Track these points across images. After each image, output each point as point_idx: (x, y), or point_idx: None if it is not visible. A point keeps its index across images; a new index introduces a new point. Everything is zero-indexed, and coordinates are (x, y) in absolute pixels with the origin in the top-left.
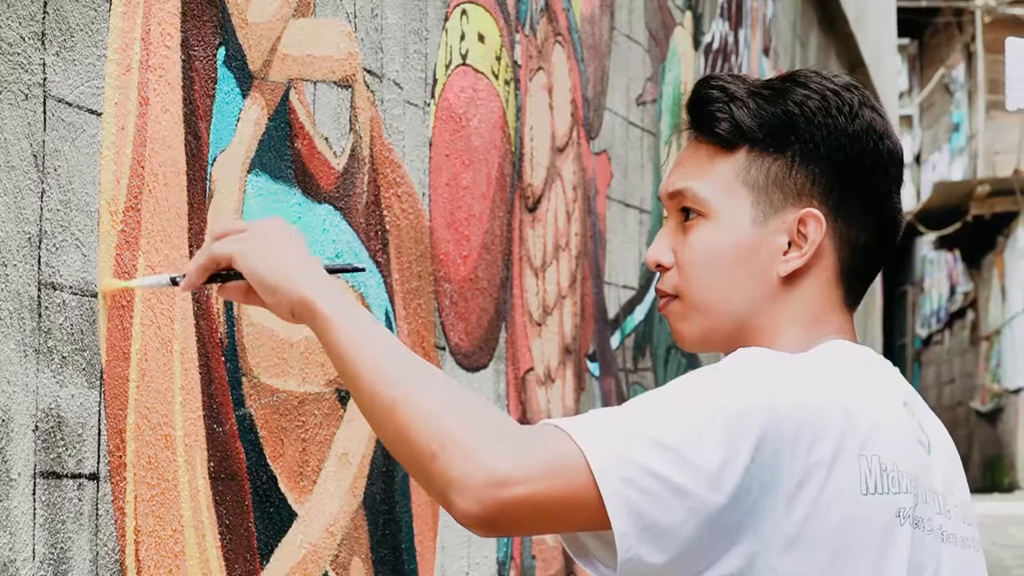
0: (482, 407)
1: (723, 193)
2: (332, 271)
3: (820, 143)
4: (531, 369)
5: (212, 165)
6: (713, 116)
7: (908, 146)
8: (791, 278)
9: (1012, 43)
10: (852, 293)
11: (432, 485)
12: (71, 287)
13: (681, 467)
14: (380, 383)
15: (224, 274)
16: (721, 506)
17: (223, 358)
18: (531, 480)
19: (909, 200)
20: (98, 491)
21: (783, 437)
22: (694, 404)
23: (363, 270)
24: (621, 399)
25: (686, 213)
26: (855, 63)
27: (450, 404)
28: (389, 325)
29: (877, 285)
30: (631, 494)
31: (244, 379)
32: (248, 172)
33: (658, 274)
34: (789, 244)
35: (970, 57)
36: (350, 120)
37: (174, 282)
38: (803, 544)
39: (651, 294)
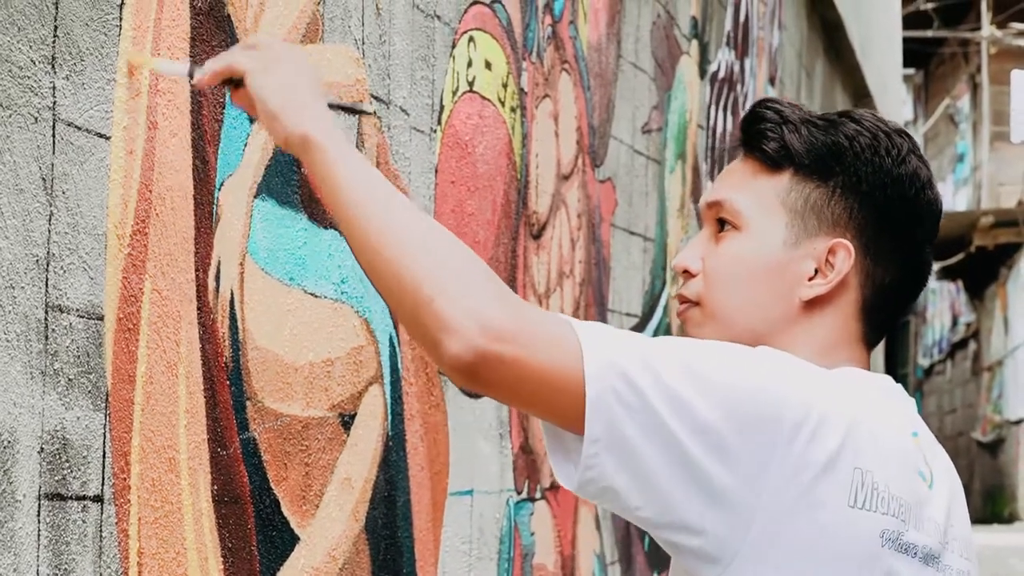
0: (488, 270)
1: (760, 210)
2: (337, 108)
3: (863, 179)
4: None
5: (219, 189)
6: (764, 135)
7: None
8: (812, 304)
9: (1018, 75)
10: (871, 330)
11: (424, 328)
12: (78, 310)
13: (671, 403)
14: (379, 226)
15: (238, 80)
16: (697, 458)
17: (228, 382)
18: (525, 344)
19: None
20: (102, 513)
21: (782, 426)
22: (707, 359)
23: (371, 113)
24: None
25: (721, 224)
26: (861, 93)
27: (454, 256)
28: (393, 351)
29: None
30: (613, 404)
31: (248, 403)
32: (255, 197)
33: (683, 280)
34: (816, 271)
35: (975, 88)
36: (357, 146)
37: (191, 75)
38: (781, 543)
39: (654, 322)
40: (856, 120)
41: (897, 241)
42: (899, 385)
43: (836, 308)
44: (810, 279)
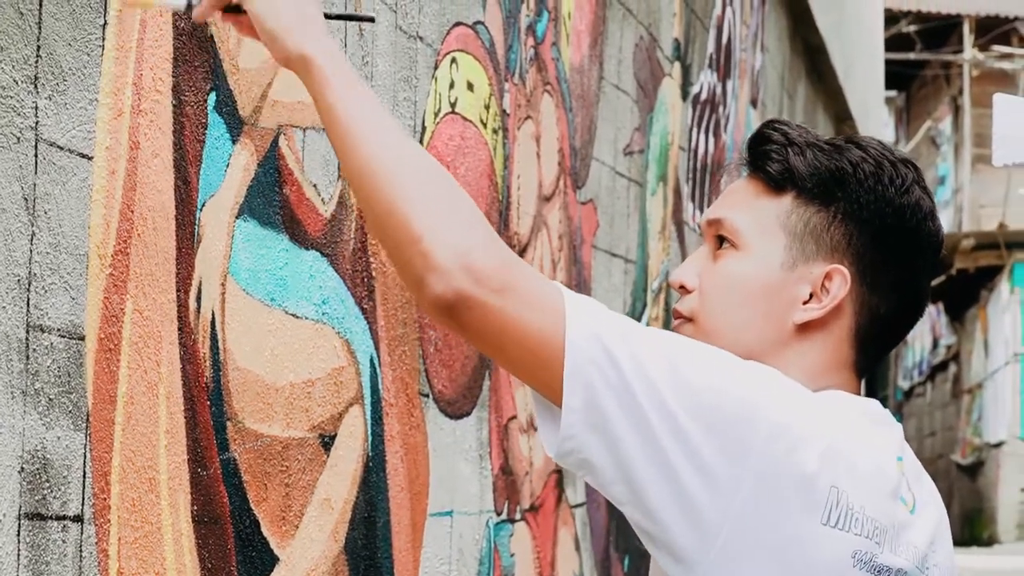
0: (482, 215)
1: (760, 231)
2: (337, 17)
3: (865, 206)
4: (514, 417)
5: (201, 210)
6: (768, 156)
7: None
8: (805, 329)
9: (999, 98)
10: (863, 357)
11: (410, 264)
12: (59, 330)
13: (644, 382)
14: (373, 155)
15: (236, 6)
16: (667, 449)
17: (208, 402)
18: (507, 294)
19: None
20: (82, 533)
21: (756, 431)
22: (691, 355)
23: (372, 20)
24: None
25: (720, 242)
26: (843, 115)
27: (448, 195)
28: (374, 371)
29: None
30: (594, 375)
31: (229, 423)
32: (236, 217)
33: (680, 296)
34: (811, 296)
35: (957, 110)
36: (339, 167)
37: (189, 5)
38: (753, 551)
39: None
40: (862, 147)
41: (895, 271)
42: (886, 410)
43: (829, 333)
44: (805, 303)
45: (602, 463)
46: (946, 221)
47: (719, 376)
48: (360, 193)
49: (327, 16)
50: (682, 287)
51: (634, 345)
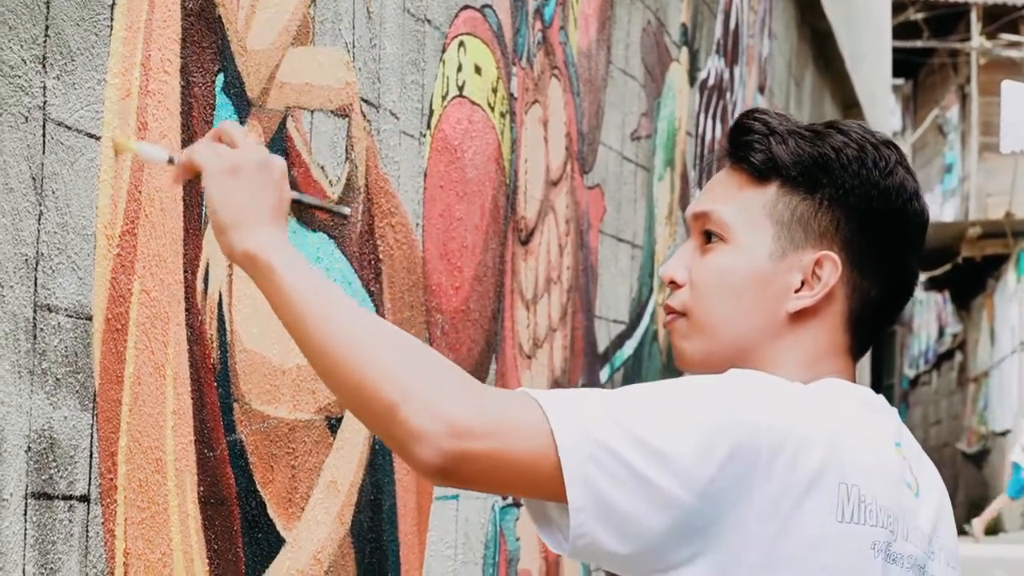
0: (445, 363)
1: (746, 222)
2: (309, 206)
3: (850, 191)
4: None
5: None
6: (750, 146)
7: None
8: (798, 317)
9: (1007, 86)
10: (857, 342)
11: (392, 436)
12: (66, 310)
13: (649, 457)
14: (335, 339)
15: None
16: (684, 505)
17: (215, 384)
18: (492, 435)
19: None
20: (88, 513)
21: (759, 455)
22: (677, 404)
23: (346, 216)
24: None
25: (708, 236)
26: (850, 102)
27: (412, 358)
28: None
29: None
30: (592, 471)
31: (236, 405)
32: None
33: (669, 290)
34: (802, 283)
35: (964, 99)
36: (346, 149)
37: (171, 161)
38: (773, 563)
39: (641, 329)
40: (843, 131)
41: (884, 253)
42: (880, 396)
43: (822, 320)
44: (796, 291)
45: (617, 545)
46: (952, 209)
47: (710, 412)
48: (325, 373)
49: (298, 203)
50: (672, 282)
51: (621, 418)
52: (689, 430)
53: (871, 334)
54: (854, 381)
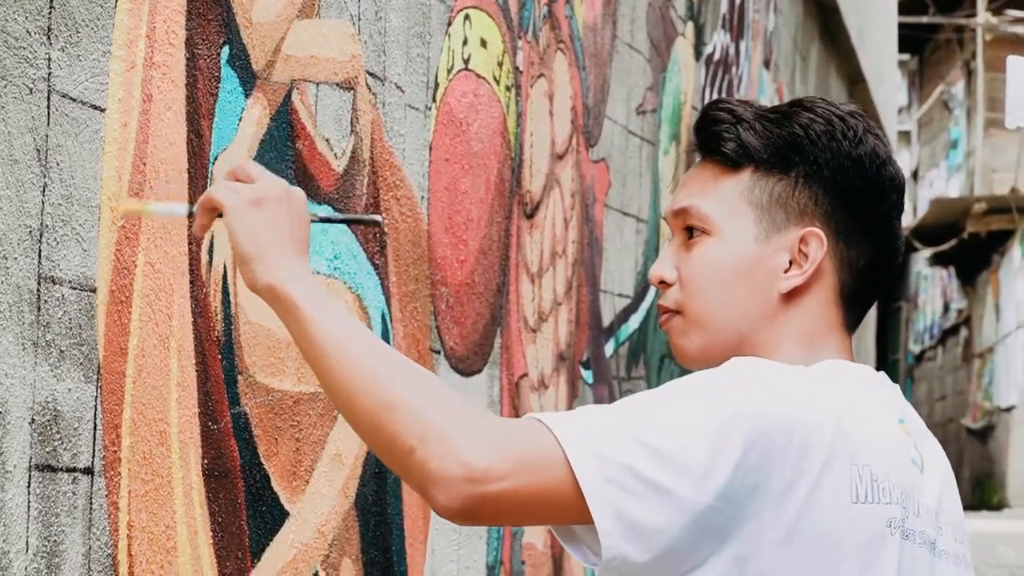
0: (460, 401)
1: (727, 211)
2: (341, 221)
3: (823, 165)
4: (525, 375)
5: (213, 163)
6: (719, 136)
7: (905, 162)
8: (791, 296)
9: (1013, 61)
10: (851, 314)
11: (411, 478)
12: (71, 281)
13: (665, 467)
14: (354, 378)
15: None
16: (706, 507)
17: (219, 356)
18: (510, 476)
19: (905, 216)
20: (92, 485)
21: (773, 443)
22: (683, 407)
23: (378, 224)
24: None
25: (690, 231)
26: (855, 78)
27: (428, 398)
28: (385, 327)
29: None
30: (614, 493)
31: (240, 377)
32: None
33: (659, 291)
34: (790, 263)
35: (970, 74)
36: (351, 122)
37: (189, 215)
38: (792, 548)
39: (646, 303)
40: (809, 108)
41: (865, 220)
42: (882, 373)
43: (815, 296)
44: (785, 271)
45: (648, 558)
46: (958, 185)
47: (719, 409)
48: (344, 410)
49: (326, 220)
50: (662, 282)
51: (632, 432)
52: (700, 434)
53: (863, 305)
54: (851, 356)
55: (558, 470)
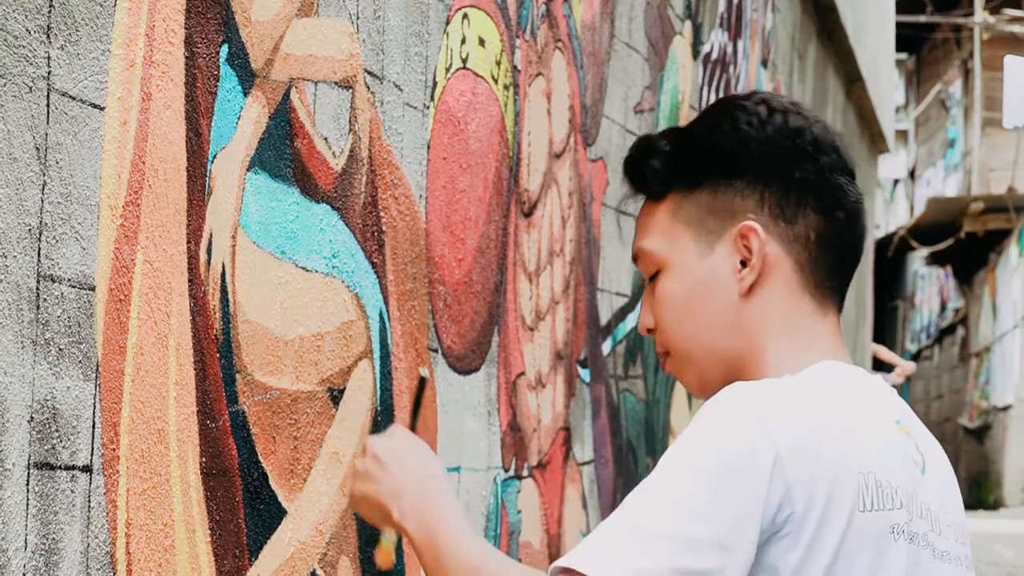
0: None
1: (667, 240)
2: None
3: (736, 156)
4: (522, 374)
5: (212, 162)
6: (638, 174)
7: (903, 161)
8: (752, 294)
9: (1010, 61)
10: (825, 292)
11: None
12: (70, 280)
13: (698, 551)
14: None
15: None
16: (749, 557)
17: (218, 355)
18: None
19: (902, 215)
20: (91, 483)
21: (788, 481)
22: (687, 483)
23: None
24: (611, 406)
25: (653, 273)
26: (853, 76)
27: None
28: (383, 326)
29: (868, 298)
30: None
31: (238, 376)
32: (248, 170)
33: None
34: (743, 264)
35: (967, 73)
36: (350, 121)
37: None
38: (807, 563)
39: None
40: (706, 112)
41: (800, 194)
42: (877, 375)
43: (776, 284)
44: (739, 272)
45: None
46: (955, 184)
47: (724, 474)
48: None
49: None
50: (648, 331)
51: (660, 532)
52: (718, 502)
53: (833, 277)
54: (840, 343)
55: None
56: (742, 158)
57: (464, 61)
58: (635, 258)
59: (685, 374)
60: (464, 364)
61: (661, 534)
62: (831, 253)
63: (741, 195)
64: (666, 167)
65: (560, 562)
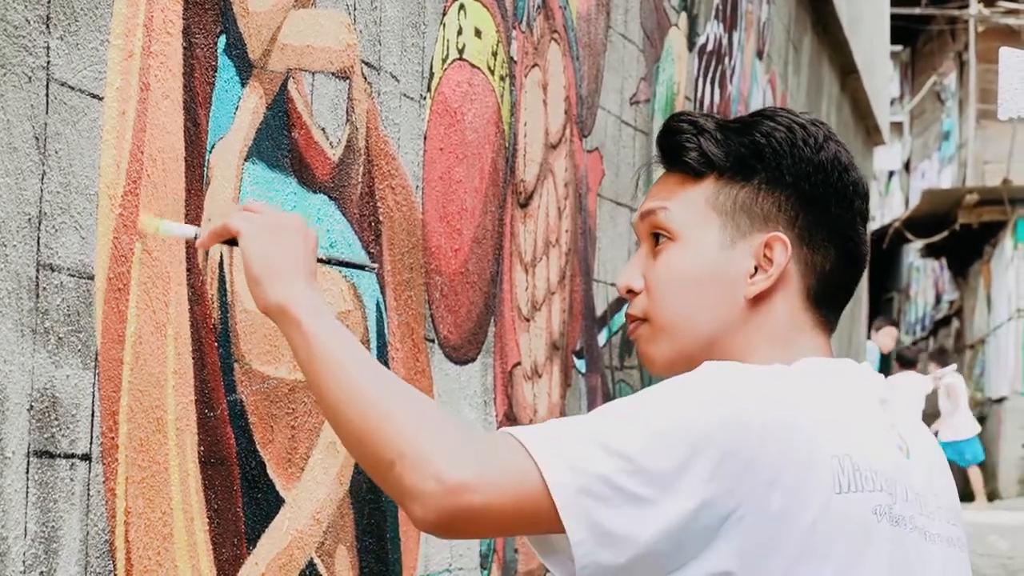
0: (440, 418)
1: (692, 217)
2: (335, 264)
3: (786, 171)
4: (518, 364)
5: (210, 152)
6: (682, 146)
7: (897, 153)
8: (758, 301)
9: (1005, 53)
10: (822, 316)
11: (391, 490)
12: (69, 269)
13: (637, 475)
14: (345, 392)
15: (234, 241)
16: (682, 513)
17: (216, 344)
18: (484, 489)
19: (897, 207)
20: (90, 472)
21: (747, 445)
22: (656, 415)
23: (374, 269)
24: (607, 396)
25: (656, 238)
26: (848, 68)
27: (413, 416)
28: (380, 316)
29: (863, 291)
30: (586, 503)
31: (236, 365)
32: (245, 160)
33: (629, 300)
34: (756, 268)
35: (962, 66)
36: (347, 111)
37: (196, 236)
38: (779, 543)
39: None
40: (770, 117)
41: (829, 226)
42: (865, 363)
43: (782, 300)
44: (751, 277)
45: (623, 564)
46: (950, 176)
47: (693, 418)
48: (334, 423)
49: (322, 262)
50: (630, 291)
51: (606, 442)
52: (673, 441)
53: (834, 307)
54: (830, 355)
55: (532, 483)
56: (791, 174)
57: (460, 52)
58: (644, 215)
59: (657, 346)
60: (460, 354)
61: (612, 447)
62: (836, 287)
63: (779, 207)
64: (716, 151)
65: (512, 430)
